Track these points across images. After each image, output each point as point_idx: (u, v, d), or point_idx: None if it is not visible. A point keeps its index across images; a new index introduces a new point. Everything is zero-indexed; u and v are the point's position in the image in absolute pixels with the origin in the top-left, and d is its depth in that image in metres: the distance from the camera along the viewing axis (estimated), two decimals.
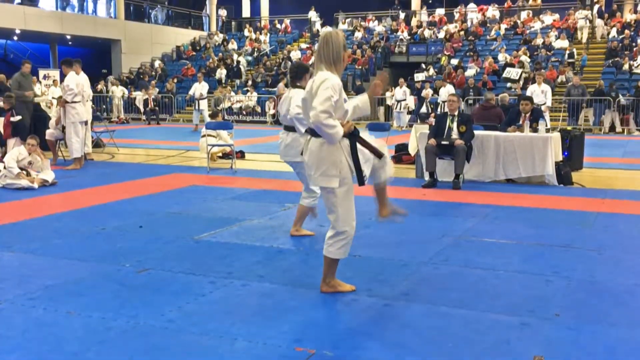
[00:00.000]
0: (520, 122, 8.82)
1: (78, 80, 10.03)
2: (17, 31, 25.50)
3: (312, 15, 30.46)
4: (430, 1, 34.16)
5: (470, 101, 19.26)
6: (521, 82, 20.10)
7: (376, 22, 29.50)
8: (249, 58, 27.88)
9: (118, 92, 23.82)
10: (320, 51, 3.75)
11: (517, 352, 3.13)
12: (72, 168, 9.79)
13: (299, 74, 5.29)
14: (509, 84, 20.43)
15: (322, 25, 29.55)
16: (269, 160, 11.21)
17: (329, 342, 3.24)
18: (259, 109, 23.18)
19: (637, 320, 3.60)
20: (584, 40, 24.39)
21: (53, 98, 18.54)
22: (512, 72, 20.68)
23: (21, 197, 7.40)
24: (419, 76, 22.29)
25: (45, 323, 3.50)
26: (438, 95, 19.67)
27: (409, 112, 20.71)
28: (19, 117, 10.48)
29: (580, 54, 22.92)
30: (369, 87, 4.12)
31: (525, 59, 21.88)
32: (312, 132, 3.74)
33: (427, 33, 26.52)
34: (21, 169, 8.01)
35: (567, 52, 22.81)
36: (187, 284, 4.19)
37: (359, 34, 28.23)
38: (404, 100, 20.50)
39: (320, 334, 3.35)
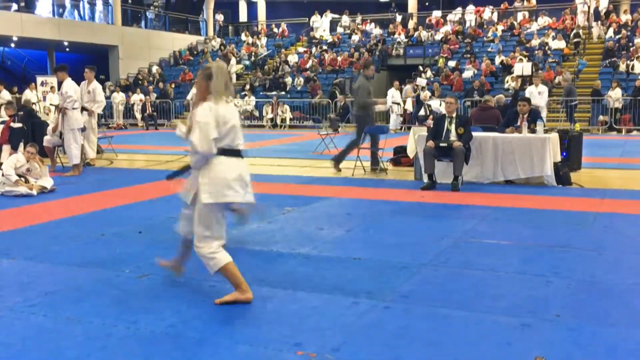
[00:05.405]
0: (519, 123, 8.83)
1: (76, 87, 10.05)
2: (15, 38, 25.49)
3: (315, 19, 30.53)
4: (427, 3, 34.23)
5: (468, 103, 19.25)
6: (519, 81, 20.06)
7: (373, 24, 29.54)
8: (247, 62, 27.91)
9: (118, 98, 23.85)
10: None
11: (518, 353, 3.13)
12: (70, 174, 9.78)
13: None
14: (506, 85, 20.44)
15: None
16: (268, 165, 11.20)
17: (330, 346, 3.24)
18: (257, 113, 23.17)
19: (637, 320, 3.60)
20: (582, 24, 24.43)
21: (51, 105, 18.57)
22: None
23: (20, 204, 7.39)
24: (421, 81, 21.51)
25: (45, 330, 3.49)
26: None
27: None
28: (19, 125, 10.48)
29: (571, 50, 22.98)
30: None
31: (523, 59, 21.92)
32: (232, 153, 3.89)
33: (424, 35, 26.55)
34: (19, 176, 8.00)
35: (564, 55, 22.87)
36: (187, 289, 4.18)
37: (356, 37, 28.26)
38: (398, 103, 20.44)
39: (321, 338, 3.35)
